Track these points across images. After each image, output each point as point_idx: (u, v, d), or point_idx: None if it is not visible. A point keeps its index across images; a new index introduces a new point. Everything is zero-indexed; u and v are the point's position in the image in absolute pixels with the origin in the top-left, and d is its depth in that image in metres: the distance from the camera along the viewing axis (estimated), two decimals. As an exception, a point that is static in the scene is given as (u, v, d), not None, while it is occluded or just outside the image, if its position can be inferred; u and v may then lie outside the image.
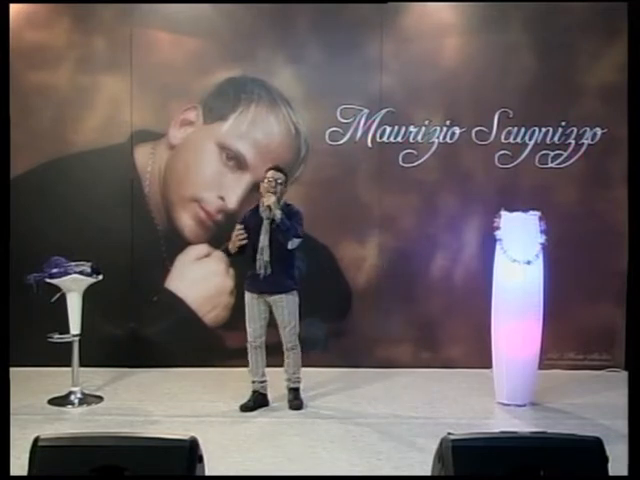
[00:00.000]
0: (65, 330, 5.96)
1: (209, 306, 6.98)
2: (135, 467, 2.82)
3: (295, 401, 5.82)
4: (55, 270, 5.85)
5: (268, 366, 5.85)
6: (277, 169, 5.76)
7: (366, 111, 6.85)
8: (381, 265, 6.93)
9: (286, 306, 5.73)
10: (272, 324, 5.84)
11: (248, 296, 5.79)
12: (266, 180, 5.67)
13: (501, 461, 2.87)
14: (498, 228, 5.91)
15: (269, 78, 6.86)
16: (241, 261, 6.00)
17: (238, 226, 5.66)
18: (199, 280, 6.97)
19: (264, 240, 5.64)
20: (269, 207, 5.58)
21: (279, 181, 5.67)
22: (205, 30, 6.87)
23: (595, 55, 6.86)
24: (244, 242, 5.63)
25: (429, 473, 3.14)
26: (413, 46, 6.89)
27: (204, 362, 6.89)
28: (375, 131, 6.86)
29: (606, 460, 2.89)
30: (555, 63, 6.85)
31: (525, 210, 5.94)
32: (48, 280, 5.85)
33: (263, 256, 5.64)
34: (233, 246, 5.67)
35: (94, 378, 6.44)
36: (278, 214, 5.58)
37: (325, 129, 6.85)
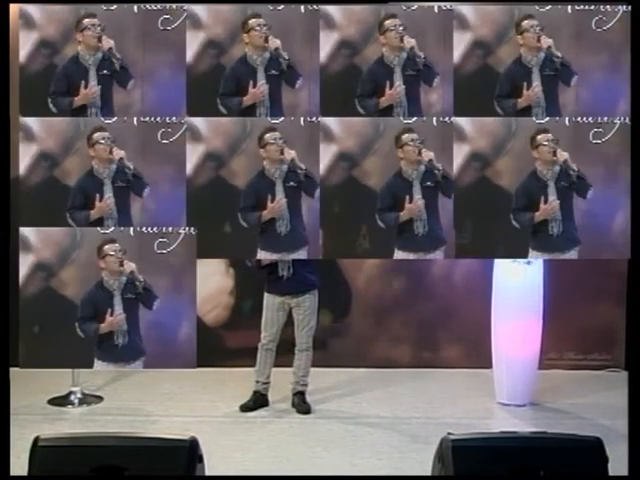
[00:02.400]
0: (65, 330, 5.95)
1: (209, 306, 6.96)
2: (135, 467, 2.83)
3: (304, 405, 5.75)
4: (55, 270, 5.84)
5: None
6: None
7: (366, 111, 6.84)
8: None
9: (309, 307, 5.69)
10: (288, 323, 5.78)
11: (269, 299, 5.72)
12: None
13: (501, 461, 2.88)
14: (498, 228, 5.91)
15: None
16: (242, 260, 5.97)
17: None
18: (199, 280, 6.94)
19: None
20: None
21: None
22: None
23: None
24: None
25: (429, 473, 3.14)
26: (413, 46, 6.87)
27: (204, 362, 6.84)
28: (375, 131, 6.85)
29: (606, 460, 2.89)
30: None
31: (525, 210, 5.94)
32: (48, 280, 5.84)
33: None
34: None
35: (94, 378, 6.43)
36: None
37: (325, 129, 6.84)
